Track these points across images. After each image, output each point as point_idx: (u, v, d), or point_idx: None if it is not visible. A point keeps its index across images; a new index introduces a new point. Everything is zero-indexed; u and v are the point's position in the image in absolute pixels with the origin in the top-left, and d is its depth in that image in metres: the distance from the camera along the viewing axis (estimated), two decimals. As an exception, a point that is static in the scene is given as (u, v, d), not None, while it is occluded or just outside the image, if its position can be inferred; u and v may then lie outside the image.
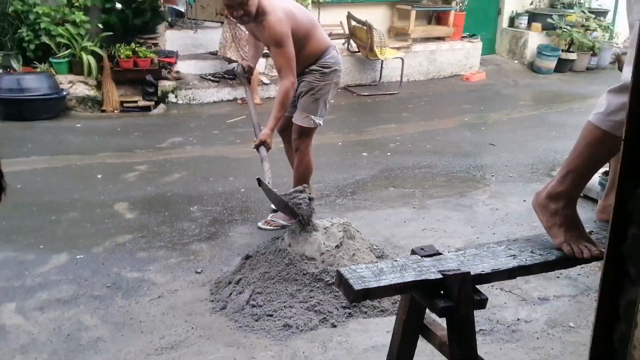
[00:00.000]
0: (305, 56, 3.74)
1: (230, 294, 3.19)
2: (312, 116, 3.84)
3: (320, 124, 3.93)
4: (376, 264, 1.92)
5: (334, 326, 2.94)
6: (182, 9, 7.94)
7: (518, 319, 3.05)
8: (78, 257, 3.63)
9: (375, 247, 3.53)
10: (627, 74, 1.99)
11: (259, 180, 3.44)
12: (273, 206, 4.00)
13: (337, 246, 3.23)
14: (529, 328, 2.99)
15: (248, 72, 4.06)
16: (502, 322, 3.00)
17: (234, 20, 3.71)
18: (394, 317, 2.98)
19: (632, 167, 1.24)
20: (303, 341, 2.83)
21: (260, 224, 4.09)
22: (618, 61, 8.71)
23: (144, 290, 3.30)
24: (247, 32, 6.95)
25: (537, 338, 2.91)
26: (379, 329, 2.93)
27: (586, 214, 4.41)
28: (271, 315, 2.99)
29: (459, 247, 3.72)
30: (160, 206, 4.45)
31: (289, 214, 3.45)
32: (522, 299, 3.22)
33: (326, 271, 3.11)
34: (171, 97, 7.44)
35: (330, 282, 3.09)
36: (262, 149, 3.66)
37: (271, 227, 4.03)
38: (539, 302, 3.21)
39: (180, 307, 3.16)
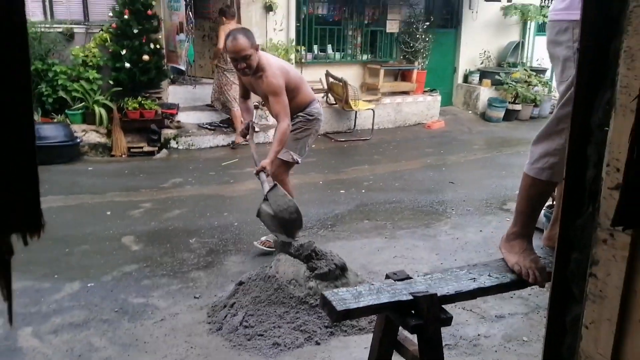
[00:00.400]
0: (294, 106, 3.83)
1: (225, 316, 3.14)
2: (292, 152, 3.92)
3: (298, 161, 4.00)
4: (355, 287, 1.91)
5: (318, 344, 2.90)
6: (183, 67, 8.00)
7: (478, 335, 3.04)
8: (89, 285, 3.56)
9: (354, 273, 3.51)
10: (547, 122, 2.07)
11: (260, 209, 3.53)
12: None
13: (321, 277, 3.22)
14: (488, 342, 2.98)
15: (250, 128, 4.12)
16: (464, 337, 2.99)
17: (234, 71, 3.81)
18: (370, 335, 2.97)
19: (572, 204, 1.27)
20: (291, 358, 2.79)
21: (256, 243, 4.13)
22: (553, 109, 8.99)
23: (148, 314, 3.24)
24: (232, 79, 7.08)
25: (496, 351, 2.89)
26: (357, 346, 2.90)
27: (535, 242, 4.48)
28: (262, 335, 2.95)
29: (426, 272, 3.72)
30: (163, 239, 4.40)
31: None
32: (482, 316, 3.21)
33: (310, 295, 3.09)
34: (172, 143, 7.43)
35: (314, 304, 3.06)
36: (262, 175, 3.67)
37: (266, 248, 4.08)
38: (496, 320, 3.20)
39: (180, 328, 3.10)
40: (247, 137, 4.09)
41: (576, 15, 1.83)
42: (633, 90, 1.03)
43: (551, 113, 9.11)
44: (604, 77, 1.17)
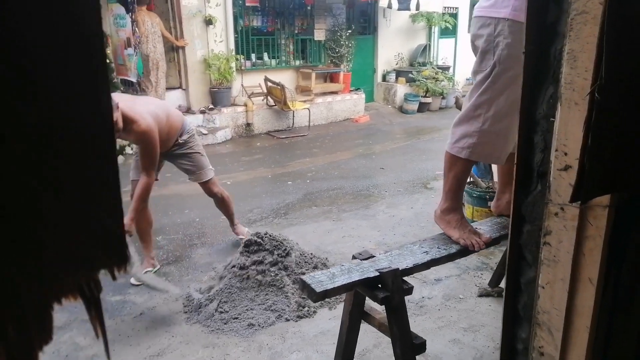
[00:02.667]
0: (172, 135, 3.39)
1: (200, 305, 3.03)
2: (208, 168, 3.65)
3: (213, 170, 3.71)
4: (329, 269, 1.89)
5: (288, 320, 2.86)
6: (133, 79, 7.59)
7: (422, 297, 3.12)
8: (66, 287, 3.32)
9: (310, 254, 3.49)
10: (464, 105, 2.12)
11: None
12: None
13: (283, 257, 3.17)
14: (431, 303, 3.06)
15: None
16: (412, 300, 3.04)
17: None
18: (333, 308, 2.98)
19: (522, 183, 1.30)
20: (265, 335, 2.73)
21: (132, 281, 3.36)
22: (457, 101, 9.27)
23: (127, 310, 3.07)
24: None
25: (439, 309, 2.98)
26: (322, 318, 2.89)
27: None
28: (236, 318, 2.87)
29: (373, 248, 3.77)
30: (134, 238, 4.15)
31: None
32: (423, 281, 3.29)
33: (275, 278, 3.04)
34: (127, 150, 7.05)
35: (280, 286, 3.02)
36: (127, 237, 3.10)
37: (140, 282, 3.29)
38: (435, 283, 3.29)
39: (159, 320, 2.96)
40: None
41: (498, 13, 1.87)
42: (576, 86, 1.06)
43: (455, 104, 9.23)
44: (546, 75, 1.21)
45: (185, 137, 3.50)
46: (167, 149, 3.42)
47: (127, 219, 3.11)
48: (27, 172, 0.36)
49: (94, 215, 0.41)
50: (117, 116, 2.88)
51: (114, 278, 0.52)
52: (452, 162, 2.07)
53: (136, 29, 7.14)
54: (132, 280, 3.38)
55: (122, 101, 2.99)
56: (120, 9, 7.21)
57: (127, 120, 2.98)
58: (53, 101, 0.35)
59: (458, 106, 9.21)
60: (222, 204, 3.86)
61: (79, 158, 0.38)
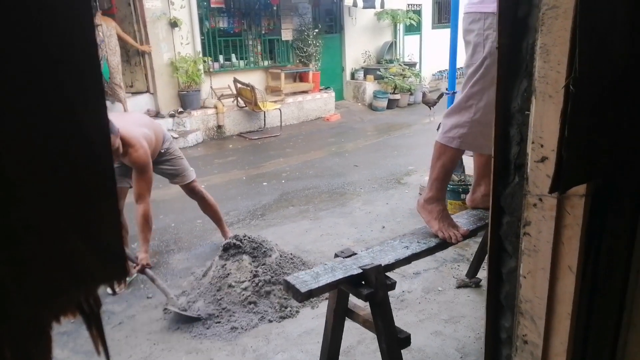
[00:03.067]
0: (158, 148, 3.37)
1: (182, 310, 2.97)
2: (190, 169, 3.64)
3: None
4: (313, 269, 1.88)
5: (270, 322, 2.84)
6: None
7: (403, 291, 3.14)
8: (39, 302, 3.20)
9: (290, 254, 3.48)
10: (456, 99, 2.15)
11: (165, 309, 2.99)
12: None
13: (262, 258, 3.15)
14: (411, 296, 3.09)
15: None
16: (392, 295, 2.99)
17: None
18: (316, 307, 2.98)
19: (500, 176, 1.32)
20: (249, 338, 2.70)
21: (108, 290, 3.15)
22: (424, 96, 9.38)
23: (105, 320, 2.97)
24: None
25: (419, 302, 3.01)
26: (305, 317, 2.88)
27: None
28: (219, 322, 2.83)
29: (352, 245, 3.78)
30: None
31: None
32: (403, 275, 3.32)
33: (254, 282, 3.01)
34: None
35: (261, 287, 2.99)
36: (148, 271, 3.07)
37: (117, 292, 3.20)
38: (414, 276, 3.33)
39: (139, 328, 2.89)
40: None
41: (487, 8, 1.91)
42: (550, 79, 1.08)
43: (422, 99, 9.32)
44: (519, 69, 1.23)
45: (166, 144, 3.46)
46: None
47: (143, 256, 3.06)
48: (22, 185, 0.34)
49: (92, 231, 0.39)
50: (118, 143, 2.88)
51: (114, 293, 0.50)
52: (442, 151, 2.09)
53: (100, 33, 6.96)
54: (108, 290, 3.29)
55: (120, 125, 2.95)
56: None
57: (125, 143, 2.97)
58: (49, 112, 0.33)
59: (425, 101, 9.32)
60: (207, 207, 3.80)
61: (76, 172, 0.36)
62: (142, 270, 3.06)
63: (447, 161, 2.13)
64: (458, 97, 2.07)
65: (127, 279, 3.40)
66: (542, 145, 1.12)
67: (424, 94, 9.70)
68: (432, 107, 8.98)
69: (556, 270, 1.18)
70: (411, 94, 10.59)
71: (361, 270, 1.84)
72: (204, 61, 8.30)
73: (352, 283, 1.86)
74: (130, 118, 3.48)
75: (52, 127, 0.34)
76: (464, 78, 2.11)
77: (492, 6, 1.86)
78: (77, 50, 0.34)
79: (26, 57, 0.32)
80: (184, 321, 2.89)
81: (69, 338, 2.79)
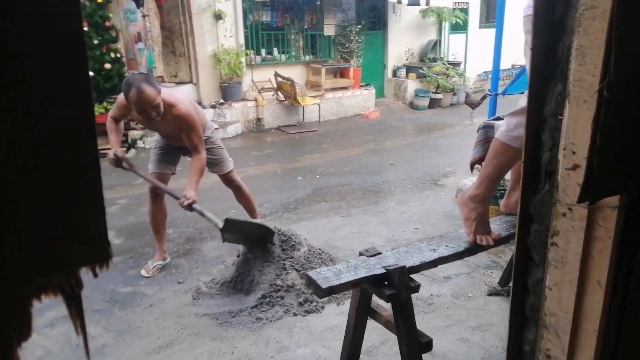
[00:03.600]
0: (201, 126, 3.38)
1: (210, 298, 3.04)
2: (229, 160, 3.69)
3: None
4: (335, 266, 1.88)
5: (295, 315, 2.86)
6: (145, 72, 7.66)
7: (431, 295, 3.09)
8: (77, 281, 3.35)
9: (318, 249, 3.49)
10: (523, 100, 2.06)
11: (225, 223, 3.03)
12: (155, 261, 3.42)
13: (291, 252, 3.17)
14: (440, 301, 3.03)
15: (122, 158, 3.44)
16: (420, 298, 3.03)
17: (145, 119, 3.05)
18: (341, 303, 2.98)
19: (530, 182, 1.27)
20: (273, 329, 2.74)
21: (143, 272, 3.41)
22: (467, 97, 9.19)
23: (137, 301, 3.09)
24: None
25: (447, 307, 2.95)
26: (330, 314, 2.89)
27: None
28: (245, 312, 2.87)
29: (382, 244, 3.75)
30: (142, 231, 4.20)
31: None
32: (432, 279, 3.26)
33: (283, 274, 3.03)
34: (140, 143, 7.11)
35: (287, 282, 3.01)
36: (196, 206, 3.15)
37: (151, 274, 3.40)
38: (444, 280, 3.27)
39: (169, 312, 2.97)
40: (124, 166, 3.45)
41: None
42: (585, 83, 1.03)
43: (466, 100, 9.10)
44: (554, 72, 1.18)
45: (208, 133, 3.53)
46: None
47: (191, 193, 3.14)
48: (5, 167, 0.35)
49: (75, 213, 0.40)
50: (159, 99, 2.93)
51: (95, 275, 0.51)
52: (501, 149, 1.98)
53: (147, 23, 7.19)
54: (143, 272, 3.42)
55: (164, 90, 3.04)
56: (131, 4, 7.28)
57: (166, 106, 3.01)
58: (32, 94, 0.35)
59: (468, 102, 9.09)
60: (242, 197, 3.87)
61: (60, 154, 0.37)
62: (190, 206, 3.14)
63: (504, 160, 2.01)
64: (524, 99, 1.96)
65: (161, 262, 3.51)
66: (574, 152, 1.07)
67: (467, 94, 9.48)
68: (474, 109, 8.78)
69: (584, 284, 1.13)
70: (454, 94, 10.37)
71: (384, 271, 1.82)
72: (247, 54, 8.43)
73: (375, 283, 1.84)
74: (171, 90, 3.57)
75: (37, 111, 0.36)
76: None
77: None
78: (62, 37, 0.35)
79: (8, 42, 0.33)
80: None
81: (102, 316, 2.91)
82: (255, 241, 3.13)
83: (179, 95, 3.20)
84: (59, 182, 0.38)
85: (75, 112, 0.37)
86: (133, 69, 7.68)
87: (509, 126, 1.98)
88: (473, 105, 9.17)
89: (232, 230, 3.10)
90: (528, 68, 1.98)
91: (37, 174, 0.37)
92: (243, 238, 3.16)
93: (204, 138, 3.48)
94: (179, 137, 3.26)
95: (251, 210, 3.95)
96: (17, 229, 0.38)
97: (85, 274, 0.53)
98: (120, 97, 3.11)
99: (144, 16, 7.33)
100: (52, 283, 0.44)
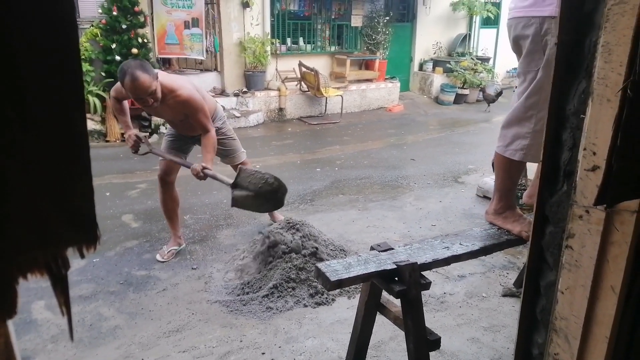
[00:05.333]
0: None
1: (222, 285, 3.08)
2: (241, 150, 3.68)
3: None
4: (345, 259, 1.87)
5: (305, 306, 2.87)
6: (199, 57, 7.88)
7: (444, 293, 3.06)
8: (94, 260, 3.44)
9: (332, 242, 3.49)
10: (515, 106, 2.04)
11: (235, 180, 3.08)
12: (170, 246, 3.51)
13: (304, 247, 3.18)
14: (453, 299, 3.00)
15: (141, 139, 3.37)
16: (432, 296, 3.01)
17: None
18: (352, 297, 2.97)
19: (548, 182, 1.24)
20: (282, 320, 2.75)
21: (158, 257, 3.46)
22: (484, 91, 9.62)
23: (151, 285, 3.15)
24: None
25: (460, 307, 2.92)
26: (340, 307, 2.89)
27: (486, 209, 4.51)
28: (255, 301, 2.90)
29: (397, 240, 3.73)
30: (159, 216, 4.23)
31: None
32: (446, 277, 3.23)
33: (295, 265, 3.04)
34: (162, 129, 7.19)
35: (300, 272, 3.02)
36: (208, 171, 3.09)
37: (165, 259, 3.45)
38: (458, 279, 3.23)
39: (181, 297, 3.02)
40: (141, 150, 3.38)
41: (542, 11, 1.80)
42: (610, 81, 0.99)
43: (496, 96, 9.10)
44: (579, 69, 1.14)
45: (218, 123, 3.51)
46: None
47: (207, 163, 3.09)
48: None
49: (64, 192, 0.41)
50: (155, 85, 2.86)
51: (82, 256, 0.52)
52: (506, 164, 2.03)
53: (211, 11, 7.47)
54: (158, 257, 3.47)
55: (161, 73, 3.00)
56: None
57: (165, 91, 2.95)
58: (22, 73, 0.35)
59: (485, 97, 9.33)
60: None
61: (48, 131, 0.37)
62: (202, 172, 3.06)
63: (514, 172, 2.06)
64: (515, 106, 1.96)
65: (176, 248, 3.56)
66: (594, 153, 1.04)
67: (483, 90, 9.50)
68: (489, 104, 9.16)
69: (597, 289, 1.10)
70: (481, 90, 10.18)
71: (395, 266, 1.81)
72: (272, 43, 8.43)
73: (385, 278, 1.83)
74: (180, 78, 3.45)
75: (24, 86, 0.36)
76: (517, 84, 2.00)
77: (547, 9, 1.73)
78: (51, 10, 0.35)
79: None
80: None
81: (116, 298, 2.98)
82: (264, 200, 3.02)
83: (181, 80, 3.13)
84: (46, 160, 0.39)
85: (64, 87, 0.37)
86: (174, 53, 7.82)
87: (506, 140, 1.98)
88: (488, 100, 9.27)
89: (241, 185, 3.05)
90: (520, 70, 1.94)
91: (25, 151, 0.38)
92: (252, 198, 3.02)
93: (214, 128, 3.43)
94: (187, 125, 3.24)
95: None
96: (3, 206, 0.39)
97: (96, 254, 0.54)
98: (118, 83, 3.06)
99: (207, 3, 7.60)
100: (38, 261, 0.44)
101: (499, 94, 9.27)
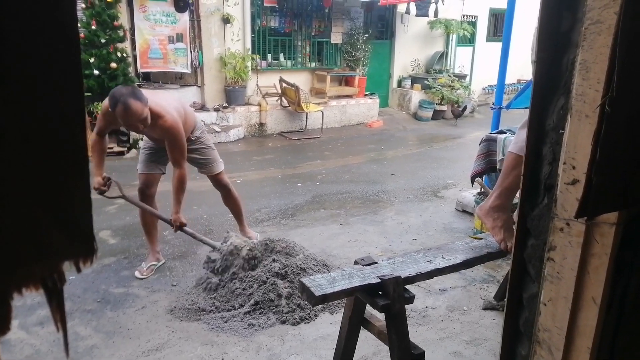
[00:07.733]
0: (187, 130, 3.34)
1: (202, 301, 3.02)
2: (219, 160, 3.67)
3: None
4: (330, 273, 1.87)
5: (287, 323, 2.84)
6: (184, 70, 7.91)
7: (426, 307, 3.07)
8: (70, 278, 3.33)
9: (314, 257, 3.47)
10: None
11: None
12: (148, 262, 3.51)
13: (286, 263, 3.16)
14: (434, 313, 3.01)
15: (109, 183, 3.48)
16: (414, 310, 3.01)
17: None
18: (335, 312, 2.95)
19: (529, 196, 1.27)
20: (265, 336, 2.72)
21: (137, 274, 3.41)
22: (452, 106, 10.22)
23: (129, 303, 3.07)
24: None
25: (442, 320, 2.93)
26: (323, 322, 2.87)
27: (465, 223, 4.56)
28: (237, 317, 2.85)
29: (379, 254, 3.73)
30: (138, 232, 4.16)
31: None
32: (428, 291, 3.25)
33: (275, 282, 3.01)
34: (141, 143, 7.11)
35: (282, 289, 2.99)
36: (186, 229, 3.28)
37: (145, 275, 3.41)
38: (439, 293, 3.25)
39: (161, 315, 2.96)
40: (110, 192, 3.43)
41: None
42: (588, 98, 1.02)
43: (471, 112, 9.43)
44: (557, 85, 1.17)
45: (197, 133, 3.52)
46: None
47: (178, 216, 3.21)
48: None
49: (60, 207, 0.40)
50: (147, 112, 2.92)
51: (78, 270, 0.50)
52: (518, 162, 2.02)
53: (196, 26, 7.63)
54: (137, 274, 3.40)
55: (150, 97, 3.02)
56: (165, 7, 7.60)
57: (153, 116, 3.00)
58: (21, 85, 0.34)
59: (452, 111, 9.87)
60: (230, 200, 3.85)
61: (49, 148, 0.36)
62: (179, 229, 3.22)
63: (520, 170, 2.06)
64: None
65: (155, 263, 3.50)
66: (574, 167, 1.06)
67: (451, 105, 9.90)
68: (457, 119, 10.01)
69: (579, 300, 1.12)
70: (458, 106, 10.38)
71: (379, 280, 1.81)
72: (253, 58, 8.46)
73: (369, 292, 1.83)
74: (163, 96, 3.51)
75: (25, 102, 0.35)
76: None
77: None
78: (53, 21, 0.34)
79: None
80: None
81: (93, 317, 2.89)
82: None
83: (167, 105, 3.14)
84: (46, 174, 0.38)
85: (65, 99, 0.36)
86: (156, 67, 7.77)
87: (519, 138, 2.01)
88: (455, 114, 9.76)
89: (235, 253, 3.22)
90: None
91: (23, 163, 0.37)
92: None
93: (194, 138, 3.49)
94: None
95: (238, 215, 3.92)
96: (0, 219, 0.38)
97: (71, 271, 0.52)
98: (105, 105, 3.06)
99: (190, 19, 7.67)
100: (34, 275, 0.43)
101: (464, 109, 10.08)
